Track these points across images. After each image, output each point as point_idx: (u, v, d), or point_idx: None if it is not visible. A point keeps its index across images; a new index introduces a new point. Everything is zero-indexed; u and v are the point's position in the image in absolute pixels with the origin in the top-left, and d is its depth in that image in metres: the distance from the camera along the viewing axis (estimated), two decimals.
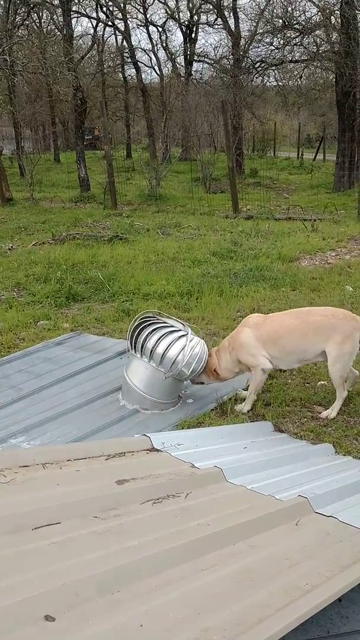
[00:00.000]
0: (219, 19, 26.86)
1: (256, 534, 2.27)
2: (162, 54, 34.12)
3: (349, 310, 4.87)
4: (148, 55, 36.34)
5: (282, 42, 18.98)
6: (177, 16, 31.54)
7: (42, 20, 25.81)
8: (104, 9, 28.40)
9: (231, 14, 25.05)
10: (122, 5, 28.66)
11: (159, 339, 4.07)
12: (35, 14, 23.16)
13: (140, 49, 34.07)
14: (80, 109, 18.57)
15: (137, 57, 31.29)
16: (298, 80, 21.24)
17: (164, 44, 33.36)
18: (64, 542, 2.00)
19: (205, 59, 30.87)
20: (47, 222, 12.81)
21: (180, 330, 4.17)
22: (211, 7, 27.60)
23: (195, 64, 32.34)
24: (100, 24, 29.82)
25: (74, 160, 19.72)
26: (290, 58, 19.43)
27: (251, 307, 6.41)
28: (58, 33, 23.40)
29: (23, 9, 18.86)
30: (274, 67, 20.40)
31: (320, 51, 18.29)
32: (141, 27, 32.93)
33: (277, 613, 1.72)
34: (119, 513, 2.29)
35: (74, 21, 25.78)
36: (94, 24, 30.02)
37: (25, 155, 20.39)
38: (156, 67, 33.68)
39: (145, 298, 6.97)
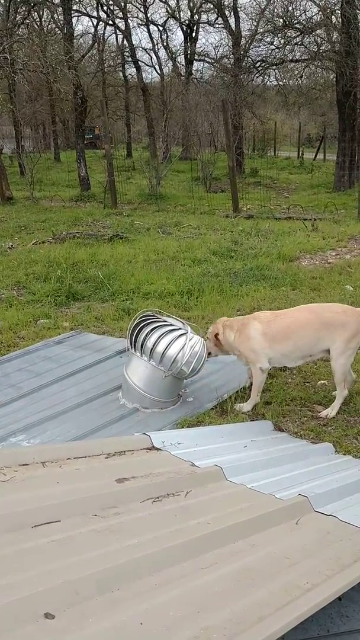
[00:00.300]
0: (220, 18, 26.88)
1: (256, 532, 2.27)
2: (162, 53, 34.17)
3: None
4: (149, 54, 36.48)
5: (282, 41, 18.97)
6: (177, 15, 31.56)
7: (43, 19, 25.84)
8: (105, 7, 28.43)
9: (232, 13, 25.06)
10: (122, 4, 28.66)
11: (158, 337, 4.07)
12: (35, 13, 23.18)
13: (140, 48, 34.19)
14: (81, 108, 18.56)
15: (137, 56, 31.33)
16: (298, 79, 21.23)
17: (165, 43, 33.42)
18: (63, 541, 2.00)
19: (206, 58, 30.92)
20: (47, 221, 12.81)
21: (180, 329, 4.17)
22: (212, 6, 27.63)
23: (195, 63, 32.38)
24: (100, 22, 29.83)
25: (74, 159, 19.72)
26: (290, 57, 19.41)
27: (251, 307, 6.40)
28: (58, 32, 23.41)
29: (23, 8, 18.84)
30: (274, 67, 20.38)
31: (320, 51, 18.28)
32: (142, 26, 33.11)
33: (277, 612, 1.72)
34: (119, 511, 2.29)
35: (74, 20, 25.84)
36: (95, 23, 30.08)
37: (25, 154, 20.39)
38: (157, 66, 33.76)
39: (145, 297, 6.96)
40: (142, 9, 31.59)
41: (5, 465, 2.52)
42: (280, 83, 21.90)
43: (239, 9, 24.66)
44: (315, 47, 18.42)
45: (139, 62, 31.37)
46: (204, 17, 31.15)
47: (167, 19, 32.24)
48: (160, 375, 4.10)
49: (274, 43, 19.39)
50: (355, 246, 9.77)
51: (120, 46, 32.70)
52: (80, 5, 25.43)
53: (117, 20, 29.91)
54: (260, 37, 20.30)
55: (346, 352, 4.03)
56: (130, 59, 31.28)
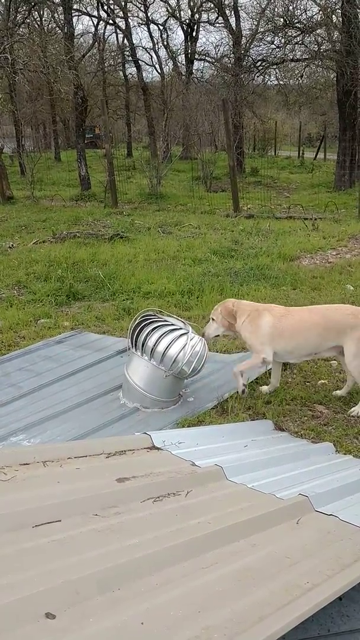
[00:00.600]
0: (220, 18, 26.86)
1: (257, 532, 2.27)
2: (163, 52, 34.14)
3: None
4: (149, 53, 36.34)
5: (283, 40, 18.96)
6: (178, 15, 31.54)
7: (43, 19, 25.83)
8: (105, 7, 28.42)
9: (232, 13, 25.04)
10: (123, 3, 28.65)
11: (159, 337, 4.06)
12: (36, 12, 23.17)
13: (141, 48, 34.07)
14: (81, 107, 18.55)
15: (138, 56, 31.29)
16: (299, 79, 21.20)
17: (165, 43, 33.40)
18: (64, 540, 2.00)
19: (206, 58, 30.87)
20: (47, 221, 12.81)
21: (181, 328, 4.17)
22: (212, 5, 27.61)
23: (196, 63, 32.33)
24: (101, 22, 29.83)
25: (74, 159, 19.71)
26: (291, 57, 19.40)
27: None
28: (59, 31, 23.42)
29: (24, 7, 18.84)
30: (275, 66, 20.37)
31: (321, 50, 18.26)
32: (142, 26, 33.16)
33: (278, 611, 1.72)
34: (120, 511, 2.29)
35: (74, 19, 25.82)
36: (95, 22, 30.06)
37: (25, 153, 20.38)
38: (157, 66, 33.72)
39: (145, 296, 6.96)
40: (142, 8, 31.61)
41: (6, 465, 2.52)
42: (281, 82, 21.88)
43: (239, 8, 24.67)
44: (316, 46, 18.41)
45: (140, 61, 31.38)
46: (204, 16, 31.15)
47: (168, 18, 32.26)
48: (161, 374, 4.09)
49: (275, 42, 19.39)
50: (356, 245, 9.76)
51: (121, 45, 32.69)
52: (81, 5, 25.46)
53: (117, 20, 29.94)
54: (260, 36, 20.30)
55: None
56: (130, 58, 31.26)
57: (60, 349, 5.23)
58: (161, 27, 32.82)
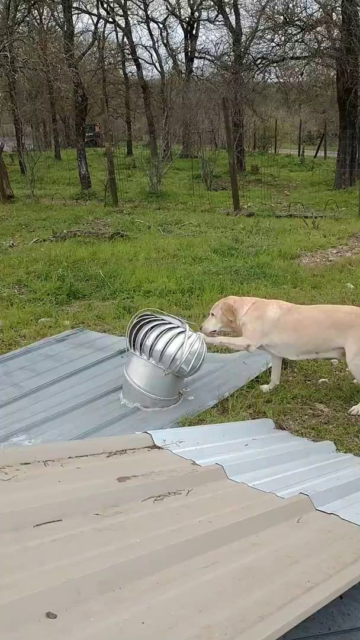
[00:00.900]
0: (220, 16, 26.85)
1: (257, 531, 2.27)
2: (162, 50, 34.12)
3: None
4: (149, 51, 36.44)
5: (283, 38, 18.96)
6: (177, 13, 31.50)
7: (43, 17, 25.76)
8: (105, 5, 28.37)
9: (232, 11, 25.01)
10: (122, 1, 28.60)
11: (157, 336, 4.06)
12: (35, 11, 23.12)
13: (141, 46, 34.03)
14: (81, 106, 18.54)
15: (137, 54, 31.25)
16: (299, 77, 21.19)
17: (165, 41, 33.38)
18: (65, 540, 2.00)
19: (206, 56, 30.82)
20: (47, 220, 12.80)
21: (178, 327, 4.16)
22: (212, 3, 27.59)
23: (196, 61, 32.31)
24: (100, 20, 29.77)
25: (74, 158, 19.70)
26: (291, 55, 19.40)
27: None
28: (59, 30, 23.40)
29: (24, 6, 18.82)
30: (275, 64, 20.35)
31: (321, 48, 18.24)
32: (142, 24, 32.97)
33: (279, 610, 1.72)
34: (120, 510, 2.29)
35: (74, 18, 25.80)
36: (95, 21, 29.99)
37: (26, 152, 20.38)
38: (157, 64, 33.69)
39: (146, 295, 6.96)
40: (142, 7, 31.55)
41: (7, 465, 2.53)
42: (281, 80, 21.86)
43: (239, 6, 24.63)
44: (316, 44, 18.40)
45: (139, 59, 31.34)
46: (204, 14, 31.15)
47: (167, 16, 32.25)
48: (160, 373, 4.09)
49: (275, 40, 19.39)
50: (356, 244, 9.76)
51: (121, 44, 32.62)
52: (81, 3, 25.45)
53: (117, 18, 29.86)
54: (260, 34, 20.30)
55: None
56: (130, 56, 31.22)
57: (61, 348, 5.22)
58: (161, 25, 32.86)
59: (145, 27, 33.00)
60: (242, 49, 22.14)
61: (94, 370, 4.78)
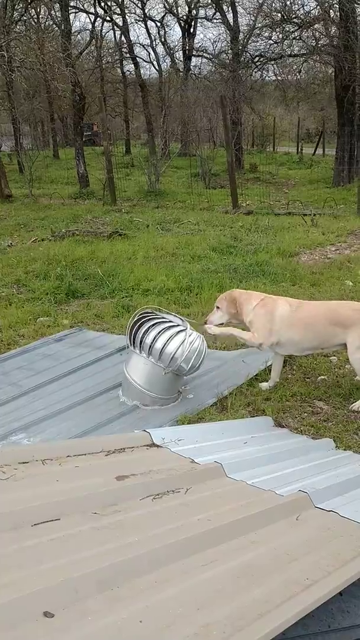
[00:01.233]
0: (218, 14, 26.82)
1: (256, 529, 2.26)
2: (160, 49, 34.07)
3: None
4: (146, 50, 36.38)
5: (280, 36, 18.93)
6: (175, 11, 31.46)
7: (40, 16, 25.75)
8: (102, 4, 28.32)
9: (230, 8, 24.95)
10: (120, 0, 28.55)
11: (157, 334, 4.06)
12: (33, 10, 23.09)
13: (138, 44, 34.13)
14: (79, 105, 18.50)
15: (135, 53, 31.26)
16: (297, 74, 21.18)
17: (163, 39, 33.29)
18: (63, 539, 1.99)
19: (204, 54, 30.78)
20: (46, 219, 12.79)
21: (178, 325, 4.16)
22: (209, 1, 27.55)
23: (193, 59, 32.26)
24: (98, 19, 29.73)
25: (73, 157, 19.66)
26: (289, 52, 19.37)
27: None
28: (56, 28, 23.35)
29: (21, 5, 18.79)
30: (272, 62, 20.34)
31: (319, 45, 18.22)
32: (139, 22, 32.82)
33: (277, 608, 1.72)
34: (119, 509, 2.28)
35: (72, 16, 25.79)
36: (92, 19, 29.93)
37: (24, 151, 20.34)
38: (155, 63, 33.66)
39: (144, 294, 6.95)
40: (139, 5, 31.53)
41: (5, 464, 2.52)
42: (279, 78, 21.88)
43: (236, 4, 24.56)
44: (314, 41, 18.37)
45: (137, 58, 31.32)
46: (201, 12, 31.12)
47: (165, 14, 32.18)
48: (160, 372, 4.09)
49: (272, 38, 19.37)
50: (355, 241, 9.75)
51: (118, 42, 32.60)
52: (78, 2, 25.40)
53: (114, 17, 29.83)
54: (258, 31, 20.27)
55: None
56: (128, 55, 31.20)
57: (60, 347, 5.22)
58: (158, 24, 32.78)
59: (143, 25, 33.03)
60: (240, 47, 22.12)
61: (92, 368, 4.78)
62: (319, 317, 4.18)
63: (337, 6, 17.58)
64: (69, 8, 20.94)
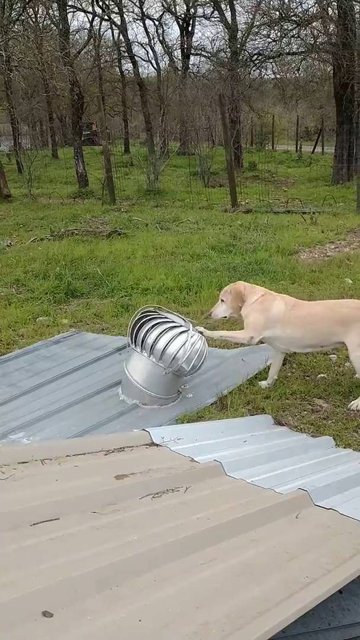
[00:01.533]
0: (216, 12, 26.78)
1: (256, 527, 2.26)
2: (159, 47, 34.04)
3: None
4: (145, 49, 36.14)
5: (279, 34, 18.92)
6: (173, 9, 31.43)
7: (38, 15, 25.72)
8: (100, 3, 28.30)
9: (228, 7, 24.92)
10: None
11: (159, 334, 4.05)
12: (30, 9, 23.07)
13: (137, 43, 34.04)
14: (78, 104, 18.49)
15: (133, 51, 31.18)
16: (296, 72, 21.16)
17: (161, 38, 33.30)
18: (62, 538, 1.99)
19: (202, 52, 30.77)
20: (45, 218, 12.78)
21: (181, 325, 4.15)
22: None
23: (192, 58, 32.27)
24: (96, 18, 29.70)
25: (71, 156, 19.66)
26: (287, 50, 19.37)
27: None
28: (54, 28, 23.34)
29: (18, 4, 18.77)
30: (271, 60, 20.33)
31: (317, 43, 18.21)
32: (137, 21, 32.77)
33: (277, 606, 1.71)
34: (118, 508, 2.28)
35: (70, 16, 25.77)
36: (90, 19, 29.89)
37: (23, 151, 20.35)
38: (153, 61, 33.60)
39: (144, 293, 6.95)
40: (137, 4, 31.47)
41: (4, 463, 2.52)
42: (278, 76, 21.84)
43: (235, 2, 24.54)
44: (312, 39, 18.36)
45: (136, 57, 31.27)
46: (200, 10, 31.06)
47: (163, 13, 32.14)
48: (160, 372, 4.08)
49: (271, 36, 19.36)
50: (354, 239, 9.75)
51: (117, 41, 32.56)
52: (76, 1, 25.37)
53: (112, 16, 29.80)
54: (256, 30, 20.27)
55: None
56: (126, 54, 31.16)
57: (58, 349, 5.21)
58: (157, 22, 32.74)
59: (141, 24, 32.91)
60: (238, 45, 22.11)
61: (91, 367, 4.78)
62: (321, 317, 4.19)
63: (336, 4, 17.58)
64: (67, 7, 20.90)
